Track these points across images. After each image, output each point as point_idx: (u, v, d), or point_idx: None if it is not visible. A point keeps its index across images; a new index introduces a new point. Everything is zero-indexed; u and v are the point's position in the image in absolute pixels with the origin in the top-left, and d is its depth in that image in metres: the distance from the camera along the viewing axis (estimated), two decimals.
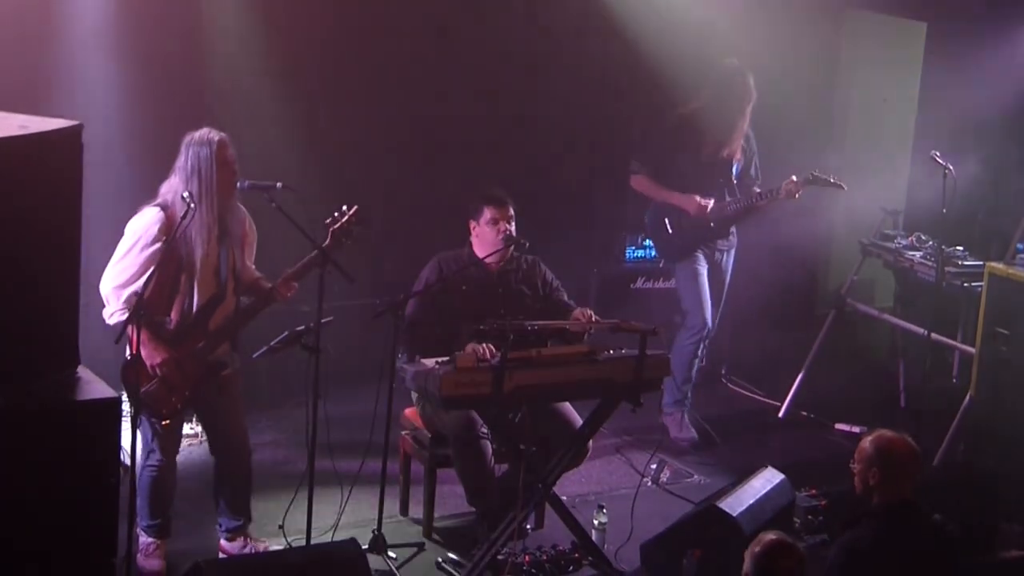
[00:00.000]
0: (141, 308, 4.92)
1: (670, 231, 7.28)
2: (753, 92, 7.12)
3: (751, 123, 7.25)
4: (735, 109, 7.12)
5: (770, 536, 4.25)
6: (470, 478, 5.84)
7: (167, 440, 5.43)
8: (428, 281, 5.97)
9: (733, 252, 7.44)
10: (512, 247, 6.01)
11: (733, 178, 7.27)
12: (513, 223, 6.01)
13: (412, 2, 8.11)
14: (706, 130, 7.12)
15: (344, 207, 5.44)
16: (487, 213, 6.00)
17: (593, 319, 5.88)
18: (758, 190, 7.29)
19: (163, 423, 5.36)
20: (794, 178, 7.12)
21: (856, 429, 7.56)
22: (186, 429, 6.23)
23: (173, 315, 5.31)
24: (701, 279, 7.31)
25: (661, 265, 8.15)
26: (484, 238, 6.03)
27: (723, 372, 8.35)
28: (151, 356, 5.24)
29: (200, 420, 5.60)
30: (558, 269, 6.33)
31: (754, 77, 7.14)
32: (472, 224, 6.07)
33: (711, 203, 7.17)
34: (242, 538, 5.67)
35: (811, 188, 7.20)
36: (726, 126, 7.13)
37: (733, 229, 7.38)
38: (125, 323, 4.94)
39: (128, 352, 5.04)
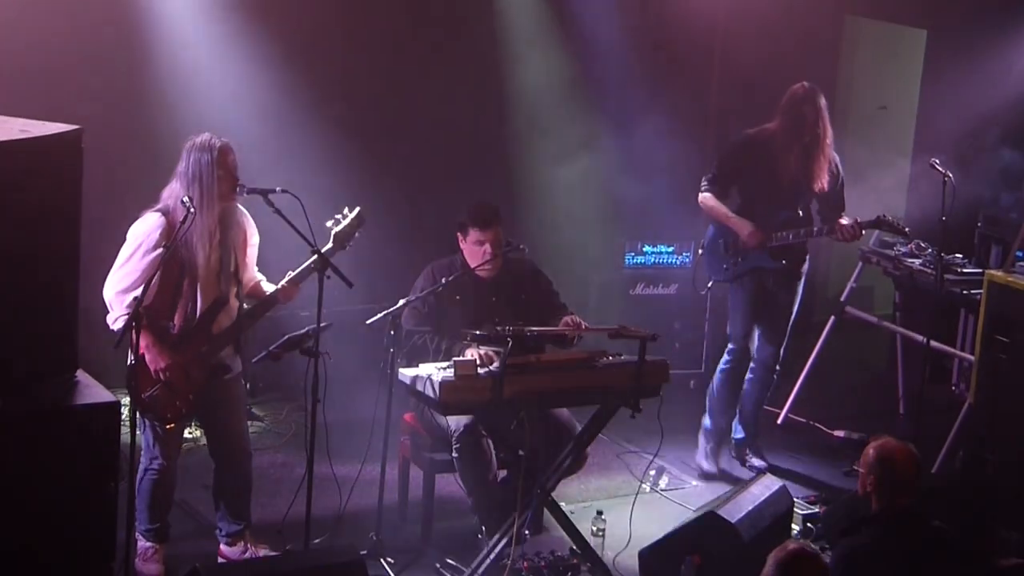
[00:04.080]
0: (140, 312, 4.92)
1: (724, 251, 7.03)
2: (823, 118, 6.75)
3: (834, 146, 6.89)
4: (806, 136, 6.75)
5: (793, 544, 4.26)
6: (473, 482, 5.84)
7: (169, 444, 5.43)
8: (423, 291, 5.96)
9: (801, 283, 7.07)
10: (505, 255, 5.97)
11: (801, 208, 6.92)
12: (500, 241, 5.92)
13: (412, 9, 8.13)
14: (778, 155, 6.79)
15: (346, 209, 5.46)
16: (472, 234, 5.94)
17: (582, 326, 5.87)
18: (817, 227, 6.93)
19: (168, 427, 5.37)
20: (858, 219, 6.84)
21: (855, 436, 7.55)
22: (185, 433, 6.23)
23: (176, 320, 5.32)
24: (746, 306, 7.05)
25: (710, 288, 8.09)
26: (470, 255, 5.98)
27: None
28: (155, 361, 5.24)
29: (201, 423, 5.60)
30: (557, 275, 6.33)
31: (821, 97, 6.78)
32: (459, 237, 6.05)
33: (760, 235, 6.82)
34: (242, 543, 5.66)
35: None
36: (797, 153, 6.79)
37: (807, 262, 7.08)
38: (124, 327, 4.93)
39: (131, 357, 5.03)
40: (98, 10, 6.92)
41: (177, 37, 7.19)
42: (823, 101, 6.79)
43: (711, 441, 7.17)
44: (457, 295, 5.95)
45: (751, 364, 7.22)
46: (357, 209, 5.46)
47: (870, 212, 6.97)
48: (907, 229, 7.08)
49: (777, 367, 7.20)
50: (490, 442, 5.80)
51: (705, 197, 7.01)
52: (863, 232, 6.93)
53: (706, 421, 7.19)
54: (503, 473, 5.94)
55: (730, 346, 7.18)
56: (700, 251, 7.25)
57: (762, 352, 7.19)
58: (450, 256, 6.09)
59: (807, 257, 7.11)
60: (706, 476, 7.08)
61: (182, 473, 5.72)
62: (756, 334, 7.19)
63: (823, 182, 6.84)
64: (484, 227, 5.92)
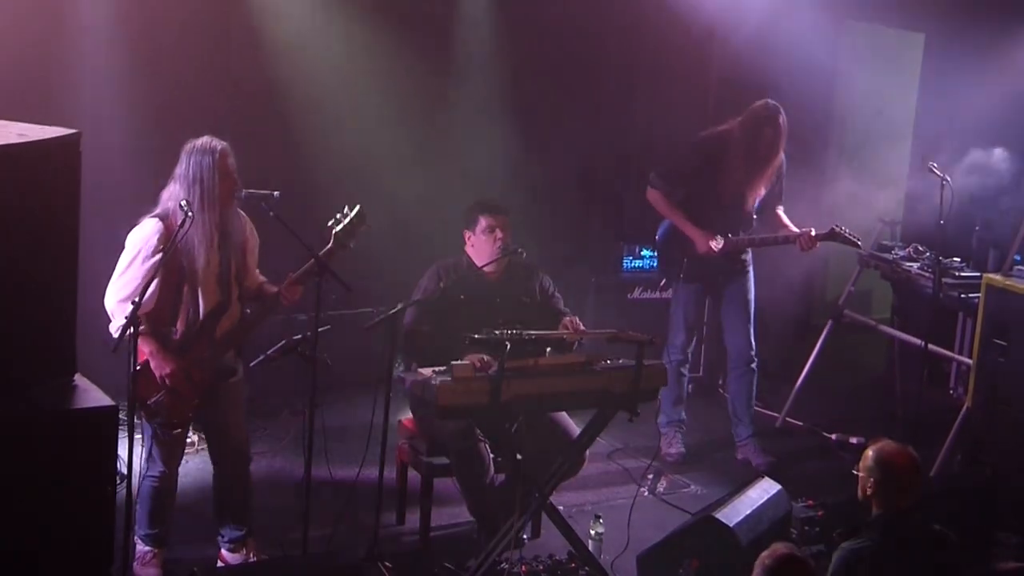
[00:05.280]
0: (137, 318, 4.90)
1: (676, 252, 7.15)
2: (782, 137, 6.90)
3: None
4: (760, 154, 6.89)
5: (782, 548, 4.25)
6: (470, 486, 5.83)
7: (170, 450, 5.42)
8: (426, 290, 5.97)
9: (750, 273, 7.24)
10: (508, 257, 5.99)
11: (751, 212, 7.09)
12: (509, 231, 6.00)
13: (409, 10, 8.13)
14: (730, 162, 6.93)
15: (346, 208, 5.43)
16: (482, 222, 6.00)
17: (580, 328, 5.87)
18: (765, 234, 7.11)
19: (174, 432, 5.36)
20: (812, 231, 6.99)
21: (853, 440, 7.55)
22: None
23: (178, 325, 5.31)
24: (690, 306, 7.24)
25: (663, 285, 8.16)
26: (480, 247, 6.02)
27: (720, 383, 8.34)
28: (160, 367, 5.24)
29: (203, 427, 5.59)
30: (555, 279, 6.33)
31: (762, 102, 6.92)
32: (467, 233, 6.06)
33: (720, 243, 6.98)
34: (244, 549, 5.64)
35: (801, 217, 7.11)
36: (750, 167, 6.93)
37: (749, 252, 7.21)
38: (121, 332, 4.91)
39: (134, 363, 5.02)
40: (96, 13, 6.91)
41: (175, 39, 7.19)
42: (783, 119, 6.91)
43: (668, 429, 7.32)
44: (462, 294, 5.95)
45: (730, 364, 7.34)
46: (357, 207, 5.43)
47: (867, 213, 7.01)
48: (859, 241, 7.25)
49: (754, 358, 7.26)
50: (487, 446, 5.80)
51: (655, 194, 7.13)
52: (818, 244, 7.06)
53: (660, 418, 7.32)
54: (500, 477, 5.94)
55: (674, 355, 7.26)
56: (642, 247, 7.38)
57: (734, 349, 7.30)
58: (456, 256, 6.10)
59: (747, 248, 7.23)
60: (683, 459, 7.25)
61: (182, 476, 5.71)
62: (724, 333, 7.31)
63: (766, 190, 7.04)
64: (494, 212, 5.99)
